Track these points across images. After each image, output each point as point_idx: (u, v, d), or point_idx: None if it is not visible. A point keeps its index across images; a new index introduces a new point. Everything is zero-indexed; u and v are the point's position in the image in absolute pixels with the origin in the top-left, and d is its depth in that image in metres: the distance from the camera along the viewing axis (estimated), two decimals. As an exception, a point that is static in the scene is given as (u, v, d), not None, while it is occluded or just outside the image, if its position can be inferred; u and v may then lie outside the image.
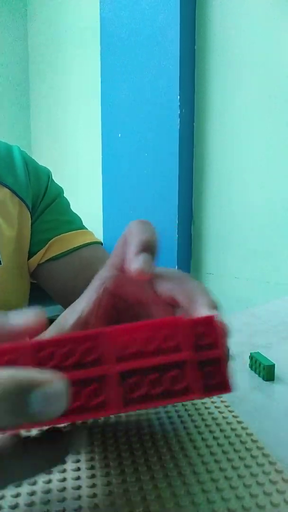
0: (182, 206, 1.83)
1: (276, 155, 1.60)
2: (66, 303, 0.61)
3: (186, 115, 1.80)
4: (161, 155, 1.84)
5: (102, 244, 0.70)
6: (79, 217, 0.71)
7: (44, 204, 0.65)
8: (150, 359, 0.20)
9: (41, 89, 2.72)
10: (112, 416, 0.38)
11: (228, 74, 1.71)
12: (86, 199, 2.36)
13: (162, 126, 1.82)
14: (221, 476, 0.30)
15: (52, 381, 0.18)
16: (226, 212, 1.78)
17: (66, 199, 0.71)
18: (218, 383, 0.21)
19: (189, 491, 0.28)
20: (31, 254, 0.64)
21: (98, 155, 2.14)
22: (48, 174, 0.68)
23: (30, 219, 0.63)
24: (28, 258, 0.64)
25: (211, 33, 1.74)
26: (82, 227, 0.69)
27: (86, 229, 0.70)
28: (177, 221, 1.81)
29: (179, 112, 1.76)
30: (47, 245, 0.63)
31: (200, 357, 0.21)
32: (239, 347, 0.57)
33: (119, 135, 1.99)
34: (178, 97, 1.75)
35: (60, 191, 0.69)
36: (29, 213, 0.63)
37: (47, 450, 0.22)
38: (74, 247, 0.64)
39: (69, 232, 0.65)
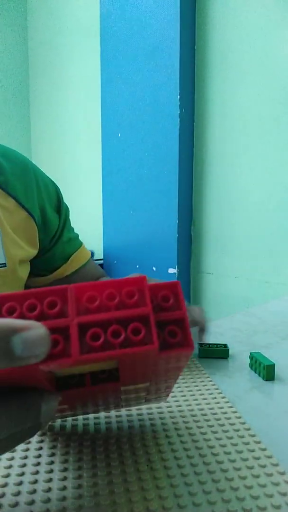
0: (182, 206, 1.83)
1: (275, 154, 1.60)
2: None
3: (186, 115, 1.79)
4: (161, 155, 1.84)
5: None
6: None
7: (62, 222, 0.71)
8: (111, 313, 0.21)
9: (41, 89, 2.71)
10: (113, 411, 0.38)
11: (228, 74, 1.71)
12: (86, 199, 2.37)
13: (162, 126, 1.82)
14: (222, 477, 0.29)
15: (30, 327, 0.20)
16: (226, 212, 1.77)
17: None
18: (179, 341, 0.22)
19: (190, 492, 0.28)
20: (53, 268, 0.71)
21: (98, 155, 2.14)
22: (56, 189, 0.72)
23: (36, 230, 0.66)
24: (48, 271, 0.71)
25: (211, 33, 1.74)
26: (80, 241, 0.78)
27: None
28: (177, 221, 1.81)
29: (179, 112, 1.76)
30: (69, 260, 0.72)
31: (162, 317, 0.22)
32: (239, 347, 0.57)
33: (119, 135, 1.99)
34: (178, 97, 1.75)
35: (67, 206, 0.76)
36: (35, 225, 0.66)
37: (15, 406, 0.22)
38: (87, 261, 0.75)
39: (81, 247, 0.76)
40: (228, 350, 0.54)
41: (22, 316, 0.21)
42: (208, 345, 0.54)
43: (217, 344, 0.54)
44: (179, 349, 0.22)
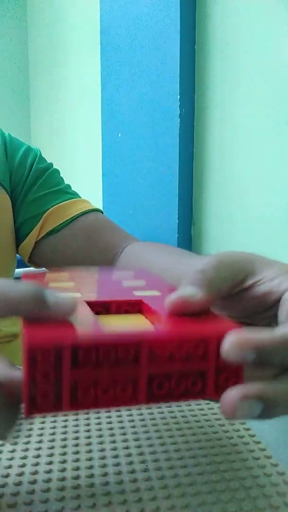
0: (182, 206, 1.83)
1: (276, 155, 1.60)
2: None
3: (186, 115, 1.80)
4: (161, 155, 1.84)
5: (102, 212, 0.65)
6: (75, 192, 0.67)
7: (30, 182, 0.60)
8: (178, 364, 0.23)
9: (40, 89, 2.71)
10: (114, 412, 0.38)
11: (228, 74, 1.71)
12: (86, 199, 2.36)
13: (162, 126, 1.82)
14: (221, 478, 0.29)
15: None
16: (226, 213, 1.77)
17: (58, 173, 0.66)
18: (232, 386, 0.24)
19: (188, 493, 0.28)
20: (24, 235, 0.60)
21: (98, 155, 2.14)
22: (27, 152, 0.63)
23: (9, 201, 0.59)
24: (22, 240, 0.61)
25: (211, 33, 1.74)
26: (78, 196, 0.64)
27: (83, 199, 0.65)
28: (177, 221, 1.81)
29: (179, 112, 1.76)
30: (42, 218, 0.59)
31: (221, 364, 0.24)
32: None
33: (119, 135, 1.99)
34: (178, 97, 1.75)
35: (49, 166, 0.64)
36: (7, 196, 0.59)
37: None
38: (75, 215, 0.60)
39: (65, 202, 0.61)
40: None
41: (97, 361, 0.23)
42: None
43: None
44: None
